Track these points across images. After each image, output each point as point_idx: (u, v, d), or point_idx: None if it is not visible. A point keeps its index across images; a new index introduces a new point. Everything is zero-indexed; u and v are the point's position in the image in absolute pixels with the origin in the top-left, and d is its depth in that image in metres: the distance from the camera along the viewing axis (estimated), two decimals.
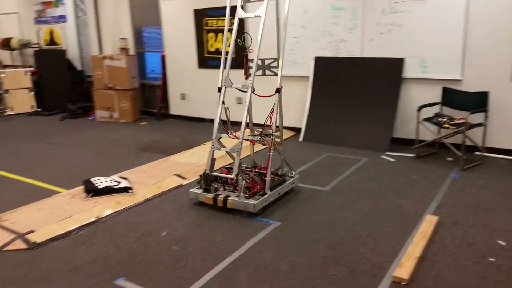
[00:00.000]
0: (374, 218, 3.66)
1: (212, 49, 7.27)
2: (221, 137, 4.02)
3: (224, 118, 4.03)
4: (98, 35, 8.67)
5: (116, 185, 4.25)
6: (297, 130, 6.56)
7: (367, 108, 5.86)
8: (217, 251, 3.19)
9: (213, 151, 3.96)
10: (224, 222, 3.67)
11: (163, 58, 7.96)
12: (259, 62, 4.08)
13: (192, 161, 5.31)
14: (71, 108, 8.56)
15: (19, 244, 3.33)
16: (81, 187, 4.41)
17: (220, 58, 4.22)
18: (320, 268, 2.91)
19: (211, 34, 7.22)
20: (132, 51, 8.28)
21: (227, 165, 4.47)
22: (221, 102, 4.01)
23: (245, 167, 4.26)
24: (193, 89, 7.82)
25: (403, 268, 2.79)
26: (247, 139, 3.98)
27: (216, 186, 3.97)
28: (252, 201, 3.67)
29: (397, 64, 5.66)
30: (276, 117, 3.96)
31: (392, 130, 5.67)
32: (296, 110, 6.60)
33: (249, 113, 4.12)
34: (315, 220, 3.66)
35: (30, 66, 9.82)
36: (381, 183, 4.48)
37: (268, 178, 3.85)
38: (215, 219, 3.74)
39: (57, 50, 9.37)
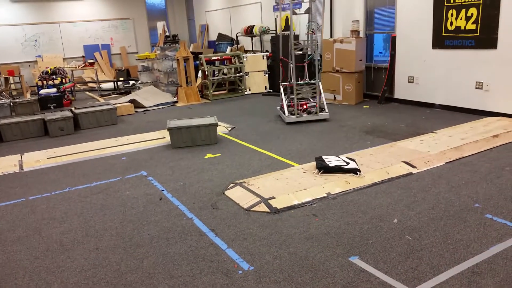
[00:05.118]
0: None
1: (451, 28, 6.59)
2: None
3: None
4: (330, 19, 8.95)
5: (345, 165, 4.35)
6: None
7: None
8: (456, 250, 2.91)
9: None
10: (459, 222, 3.33)
11: (393, 39, 7.67)
12: None
13: (422, 149, 4.98)
14: None
15: (263, 207, 3.76)
16: (312, 163, 4.68)
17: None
18: None
19: (452, 11, 6.53)
20: (362, 34, 8.26)
21: None
22: None
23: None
24: (423, 72, 7.31)
25: None
26: None
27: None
28: None
29: None
30: None
31: None
32: None
33: None
34: None
35: (267, 51, 10.94)
36: None
37: None
38: (452, 217, 3.43)
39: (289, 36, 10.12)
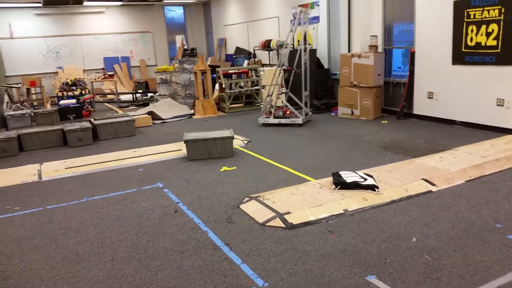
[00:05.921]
0: None
1: (471, 44, 6.51)
2: None
3: None
4: (348, 34, 8.96)
5: (363, 182, 4.28)
6: None
7: None
8: (477, 272, 2.82)
9: None
10: (480, 242, 3.24)
11: (412, 55, 7.61)
12: None
13: (442, 167, 4.89)
14: (316, 103, 9.15)
15: (278, 222, 3.72)
16: (329, 179, 4.63)
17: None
18: None
19: (471, 27, 6.46)
20: (380, 48, 8.23)
21: None
22: None
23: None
24: (443, 88, 7.21)
25: None
26: None
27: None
28: None
29: None
30: None
31: None
32: None
33: None
34: None
35: (283, 65, 10.96)
36: None
37: None
38: (473, 237, 3.33)
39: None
